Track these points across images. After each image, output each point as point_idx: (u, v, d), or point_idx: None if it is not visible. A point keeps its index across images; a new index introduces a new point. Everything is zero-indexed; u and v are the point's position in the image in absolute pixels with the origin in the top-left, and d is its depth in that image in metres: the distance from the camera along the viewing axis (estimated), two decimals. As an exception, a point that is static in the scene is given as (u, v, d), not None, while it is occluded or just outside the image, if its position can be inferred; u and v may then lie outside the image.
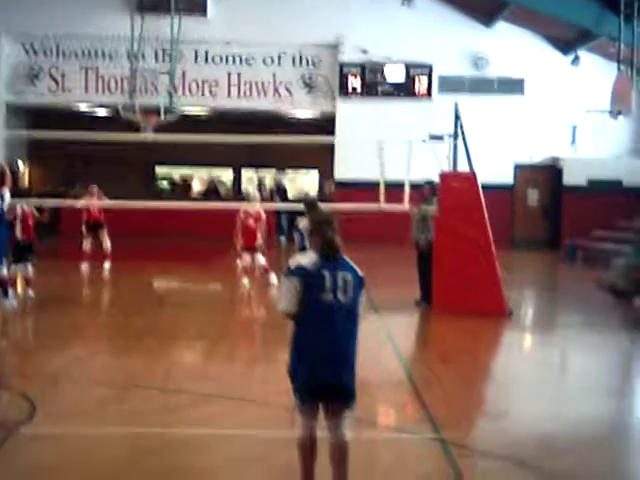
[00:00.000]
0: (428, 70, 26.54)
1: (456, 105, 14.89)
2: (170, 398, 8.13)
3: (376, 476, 6.27)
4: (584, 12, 23.61)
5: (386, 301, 14.32)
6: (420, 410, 7.99)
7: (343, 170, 26.38)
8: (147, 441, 6.73)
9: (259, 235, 15.92)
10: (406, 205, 14.07)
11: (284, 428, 6.61)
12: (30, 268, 13.71)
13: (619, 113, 21.27)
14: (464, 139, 14.62)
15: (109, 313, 14.22)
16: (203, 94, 27.14)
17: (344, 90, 26.73)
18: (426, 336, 13.11)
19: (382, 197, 14.35)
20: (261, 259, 15.98)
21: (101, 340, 11.60)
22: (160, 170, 33.90)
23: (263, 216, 16.14)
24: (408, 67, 26.53)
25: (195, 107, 27.19)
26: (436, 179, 14.20)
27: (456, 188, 13.91)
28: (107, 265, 17.76)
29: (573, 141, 26.59)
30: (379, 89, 26.70)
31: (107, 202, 17.78)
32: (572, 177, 26.03)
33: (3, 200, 12.60)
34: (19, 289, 14.10)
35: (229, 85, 27.15)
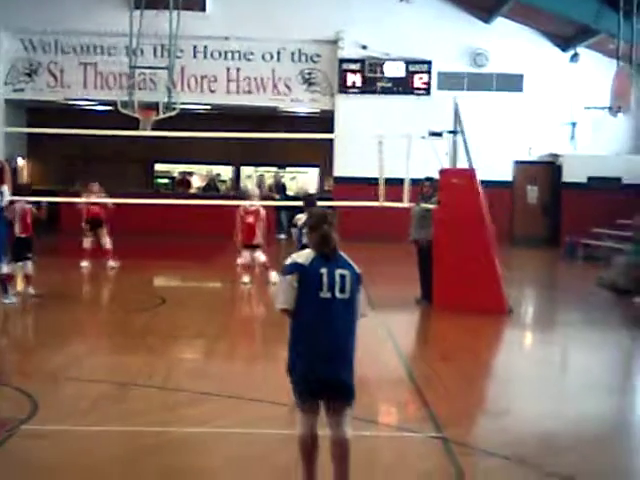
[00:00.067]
0: (427, 66, 26.53)
1: (455, 101, 14.87)
2: (170, 396, 8.12)
3: (377, 474, 6.24)
4: (583, 8, 23.58)
5: (386, 299, 14.29)
6: (421, 408, 7.98)
7: (342, 166, 26.38)
8: (146, 439, 6.70)
9: (258, 232, 15.89)
10: (406, 202, 14.05)
11: (284, 426, 6.60)
12: (30, 265, 13.68)
13: (619, 110, 21.26)
14: (463, 135, 14.60)
15: (109, 311, 14.19)
16: (202, 90, 27.13)
17: (343, 86, 26.72)
18: (426, 334, 13.10)
19: (382, 194, 14.32)
20: (261, 256, 15.95)
21: (101, 338, 11.58)
22: (159, 167, 33.85)
23: (262, 213, 16.11)
24: (407, 63, 26.51)
25: (194, 103, 27.14)
26: (435, 176, 14.18)
27: (455, 185, 13.90)
28: (111, 263, 17.67)
29: (572, 138, 26.57)
30: (378, 85, 26.68)
31: (108, 200, 17.73)
32: (572, 174, 26.02)
33: (3, 197, 12.57)
34: (19, 286, 14.07)
35: (228, 81, 27.13)
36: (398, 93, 26.56)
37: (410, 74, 26.57)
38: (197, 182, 32.81)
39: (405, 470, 6.37)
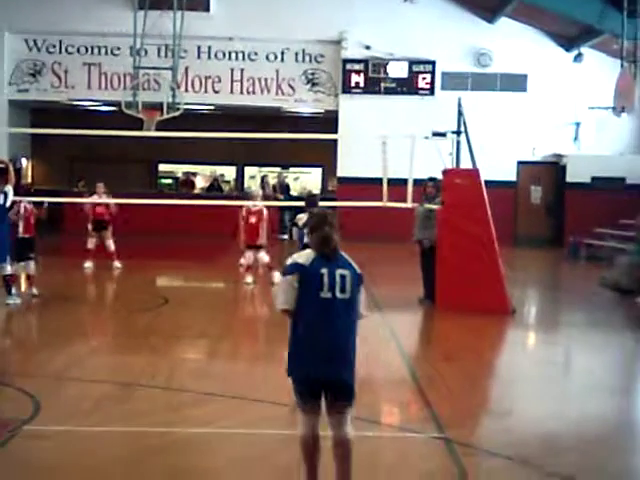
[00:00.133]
0: (431, 66, 26.53)
1: (459, 101, 14.88)
2: (173, 397, 8.13)
3: (379, 475, 6.25)
4: (587, 8, 23.57)
5: (389, 299, 14.31)
6: (424, 408, 7.97)
7: (346, 167, 26.38)
8: (150, 440, 6.71)
9: (262, 233, 15.90)
10: (410, 202, 14.04)
11: (287, 427, 6.60)
12: (33, 266, 13.69)
13: (622, 110, 21.25)
14: (467, 135, 14.62)
15: (112, 311, 14.20)
16: (206, 90, 27.15)
17: (347, 86, 26.73)
18: (429, 334, 13.09)
19: (385, 194, 14.31)
20: (264, 257, 15.96)
21: (104, 338, 11.60)
22: (163, 167, 33.88)
23: (265, 213, 16.12)
24: (411, 63, 26.51)
25: (198, 103, 27.17)
26: (439, 176, 14.17)
27: (459, 185, 13.89)
28: (117, 264, 17.67)
29: (576, 138, 26.55)
30: (382, 85, 26.69)
31: (112, 200, 17.74)
32: (575, 174, 25.99)
33: (6, 197, 12.58)
34: (22, 287, 14.09)
35: (232, 81, 27.15)
36: (402, 93, 26.56)
37: (414, 74, 26.57)
38: (201, 182, 32.83)
39: (407, 470, 6.37)
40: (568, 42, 26.49)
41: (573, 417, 8.00)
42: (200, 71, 26.99)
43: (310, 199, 13.03)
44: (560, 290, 18.73)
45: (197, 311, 13.42)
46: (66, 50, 27.02)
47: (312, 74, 27.13)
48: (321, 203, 13.08)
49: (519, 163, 26.86)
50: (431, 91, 26.49)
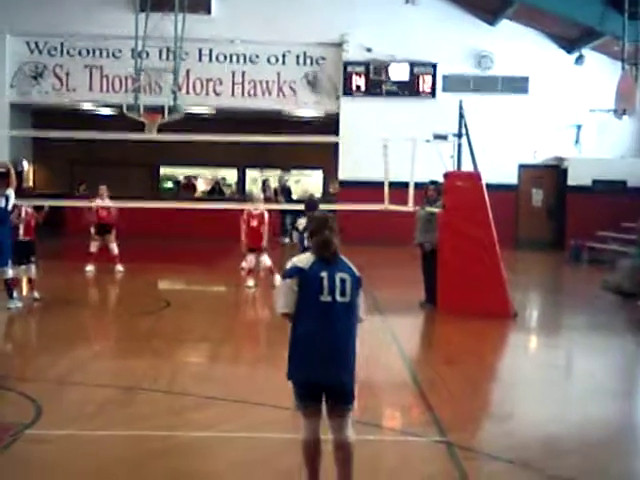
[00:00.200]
0: (432, 69, 26.54)
1: (460, 104, 14.87)
2: (175, 400, 8.13)
3: (381, 478, 6.25)
4: (588, 10, 23.55)
5: (390, 302, 14.33)
6: (425, 412, 7.98)
7: (347, 169, 26.38)
8: (153, 444, 6.72)
9: (264, 236, 15.90)
10: (411, 205, 14.03)
11: (288, 430, 6.61)
12: (34, 269, 13.70)
13: (624, 112, 21.23)
14: (468, 138, 14.62)
15: (113, 314, 14.20)
16: (207, 93, 27.17)
17: (348, 89, 26.73)
18: (431, 337, 13.09)
19: (386, 197, 14.31)
20: (267, 260, 15.96)
21: (106, 342, 11.60)
22: (164, 171, 33.91)
23: (266, 217, 16.12)
24: (412, 66, 26.52)
25: (199, 106, 27.19)
26: (440, 179, 14.17)
27: (460, 188, 13.88)
28: (119, 267, 17.67)
29: (577, 141, 26.56)
30: (383, 88, 26.70)
31: (114, 204, 17.75)
32: (577, 177, 25.98)
33: (8, 201, 12.59)
34: (24, 290, 14.09)
35: (233, 84, 27.17)
36: (403, 96, 26.57)
37: (415, 77, 26.58)
38: (202, 186, 32.86)
39: (409, 474, 6.38)
40: (569, 44, 26.51)
41: (574, 420, 8.01)
42: (201, 74, 27.01)
43: (310, 202, 13.01)
44: (562, 293, 18.72)
45: (199, 314, 13.43)
46: (67, 53, 27.04)
47: (313, 77, 27.14)
48: (322, 206, 13.05)
49: (520, 166, 26.85)
50: (432, 94, 26.50)
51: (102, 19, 26.00)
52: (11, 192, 12.64)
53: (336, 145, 26.45)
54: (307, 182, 32.71)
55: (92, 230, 17.87)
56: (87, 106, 28.49)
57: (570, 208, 26.02)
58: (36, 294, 13.70)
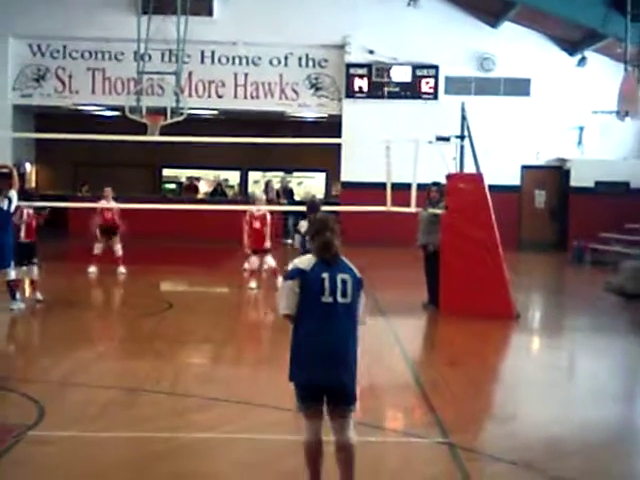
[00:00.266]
0: (434, 71, 26.55)
1: (462, 106, 14.87)
2: (178, 402, 8.13)
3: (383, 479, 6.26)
4: (590, 12, 23.54)
5: (393, 304, 14.33)
6: (428, 413, 7.97)
7: (350, 171, 26.38)
8: (155, 445, 6.71)
9: (267, 237, 15.90)
10: (413, 207, 14.03)
11: (290, 432, 6.62)
12: (36, 271, 13.69)
13: (626, 114, 21.24)
14: (470, 140, 14.61)
15: (116, 316, 14.22)
16: (209, 95, 27.19)
17: (350, 91, 26.76)
18: (433, 339, 13.09)
19: (389, 198, 14.31)
20: (271, 261, 15.96)
21: (108, 343, 11.59)
22: (167, 172, 33.92)
23: (269, 218, 16.12)
24: (414, 68, 26.54)
25: (201, 108, 27.20)
26: (443, 181, 14.16)
27: (463, 189, 13.89)
28: (122, 269, 17.65)
29: (580, 142, 26.55)
30: (385, 90, 26.71)
31: (119, 205, 17.76)
32: (579, 179, 25.97)
33: (11, 202, 12.59)
34: (26, 292, 14.10)
35: (235, 86, 27.19)
36: (405, 98, 26.58)
37: (417, 79, 26.59)
38: (204, 187, 32.86)
39: (411, 475, 6.37)
40: (572, 46, 26.50)
41: (577, 421, 8.00)
42: (204, 76, 27.03)
43: (312, 204, 13.01)
44: (564, 295, 18.70)
45: (201, 316, 13.42)
46: (70, 55, 27.08)
47: (316, 79, 27.16)
48: (325, 208, 13.05)
49: (523, 167, 26.84)
50: (434, 96, 26.51)
51: (104, 22, 26.02)
52: (13, 194, 12.64)
53: (339, 147, 26.46)
54: (309, 183, 32.70)
55: (97, 232, 17.82)
56: (89, 108, 28.50)
57: (573, 209, 26.02)
58: (39, 295, 13.70)
